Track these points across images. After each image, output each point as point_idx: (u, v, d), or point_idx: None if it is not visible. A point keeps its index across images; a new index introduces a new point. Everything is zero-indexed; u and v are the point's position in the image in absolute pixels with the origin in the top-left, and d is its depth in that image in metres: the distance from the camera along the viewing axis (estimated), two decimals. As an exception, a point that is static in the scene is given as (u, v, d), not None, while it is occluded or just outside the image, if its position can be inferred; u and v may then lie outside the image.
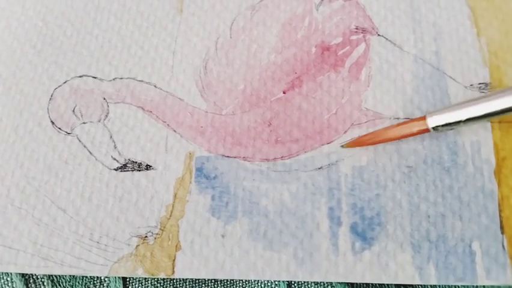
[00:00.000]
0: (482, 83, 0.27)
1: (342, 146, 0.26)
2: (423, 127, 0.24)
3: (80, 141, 0.27)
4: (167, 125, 0.27)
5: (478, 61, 0.27)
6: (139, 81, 0.28)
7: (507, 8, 0.29)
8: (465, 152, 0.25)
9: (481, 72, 0.27)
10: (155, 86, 0.28)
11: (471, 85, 0.27)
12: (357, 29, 0.29)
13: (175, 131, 0.27)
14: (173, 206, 0.25)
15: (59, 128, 0.27)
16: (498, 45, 0.28)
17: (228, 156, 0.26)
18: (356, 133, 0.26)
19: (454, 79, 0.27)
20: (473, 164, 0.25)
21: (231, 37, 0.30)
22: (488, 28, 0.28)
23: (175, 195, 0.25)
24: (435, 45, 0.28)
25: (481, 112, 0.23)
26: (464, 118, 0.23)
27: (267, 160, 0.26)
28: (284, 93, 0.28)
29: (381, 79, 0.27)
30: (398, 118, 0.26)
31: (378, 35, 0.29)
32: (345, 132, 0.26)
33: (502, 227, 0.24)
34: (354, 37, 0.29)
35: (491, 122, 0.26)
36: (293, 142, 0.26)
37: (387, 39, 0.28)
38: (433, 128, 0.24)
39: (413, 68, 0.28)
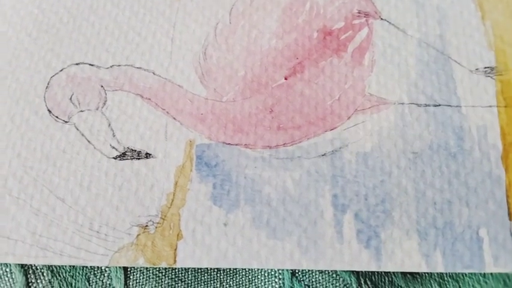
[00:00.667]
0: (488, 67, 0.26)
1: None
2: None
3: (78, 129, 0.26)
4: (167, 112, 0.26)
5: (483, 45, 0.27)
6: (137, 68, 0.28)
7: (512, -9, 0.28)
8: (471, 137, 0.25)
9: (486, 56, 0.27)
10: (153, 73, 0.27)
11: (476, 69, 0.26)
12: (359, 13, 0.28)
13: (174, 118, 0.26)
14: (174, 195, 0.24)
15: (56, 117, 0.27)
16: (503, 29, 0.27)
17: (229, 144, 0.26)
18: (359, 119, 0.26)
19: (459, 63, 0.26)
20: (479, 150, 0.25)
21: (230, 23, 0.29)
22: (493, 11, 0.28)
23: (175, 184, 0.25)
24: (440, 28, 0.27)
25: None
26: None
27: (269, 147, 0.25)
28: (286, 79, 0.27)
29: (384, 64, 0.27)
30: (402, 103, 0.26)
31: (381, 19, 0.28)
32: (349, 118, 0.26)
33: (509, 214, 0.23)
34: (356, 21, 0.28)
35: (497, 106, 0.25)
36: (296, 129, 0.26)
37: (390, 23, 0.28)
38: None
39: (417, 52, 0.27)
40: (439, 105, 0.26)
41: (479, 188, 0.24)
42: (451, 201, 0.24)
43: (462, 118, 0.25)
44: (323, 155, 0.25)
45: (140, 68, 0.28)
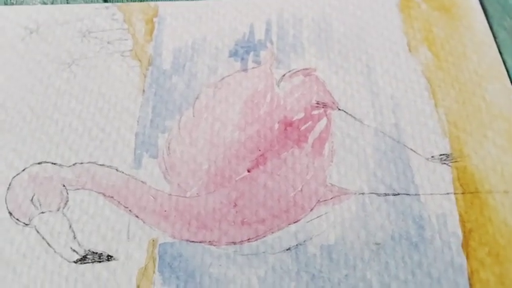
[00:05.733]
0: (443, 154, 0.27)
1: None
2: None
3: (38, 232, 0.26)
4: (130, 210, 0.26)
5: (437, 132, 0.28)
6: (100, 165, 0.28)
7: (463, 78, 0.30)
8: (431, 226, 0.25)
9: (441, 143, 0.28)
10: (116, 170, 0.28)
11: (432, 157, 0.27)
12: (318, 103, 0.29)
13: (137, 216, 0.26)
14: (135, 300, 0.24)
15: (17, 219, 0.26)
16: (457, 115, 0.28)
17: (193, 241, 0.25)
18: (322, 210, 0.26)
19: (415, 151, 0.27)
20: (440, 238, 0.25)
21: (194, 116, 0.29)
22: (445, 98, 0.29)
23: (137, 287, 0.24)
24: (395, 117, 0.28)
25: None
26: None
27: (234, 243, 0.25)
28: (249, 171, 0.27)
29: (344, 153, 0.28)
30: (363, 193, 0.26)
31: (339, 109, 0.29)
32: (312, 209, 0.26)
33: (474, 303, 0.23)
34: (315, 112, 0.29)
35: (455, 193, 0.26)
36: (260, 223, 0.26)
37: (347, 113, 0.29)
38: None
39: (374, 142, 0.28)
40: (398, 194, 0.26)
41: (442, 277, 0.24)
42: (415, 293, 0.24)
43: (421, 207, 0.26)
44: (287, 250, 0.25)
45: (103, 165, 0.28)
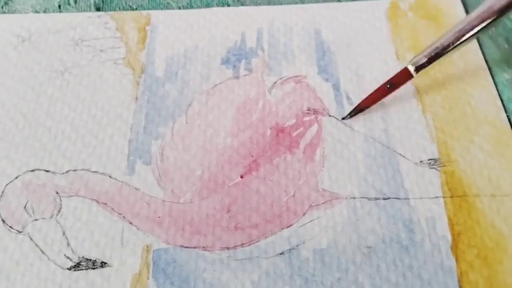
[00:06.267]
0: (432, 159, 0.28)
1: (344, 118, 0.29)
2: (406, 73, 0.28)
3: (31, 239, 0.26)
4: (123, 217, 0.26)
5: (425, 137, 0.29)
6: (93, 172, 0.28)
7: (449, 84, 0.31)
8: (421, 229, 0.26)
9: (429, 148, 0.28)
10: (110, 177, 0.28)
11: (421, 161, 0.28)
12: (309, 110, 0.30)
13: (131, 223, 0.26)
14: (130, 306, 0.24)
15: (10, 227, 0.26)
16: (444, 121, 0.29)
17: (187, 247, 0.26)
18: (314, 215, 0.26)
19: (404, 156, 0.28)
20: (430, 241, 0.25)
21: (186, 122, 0.30)
22: (432, 104, 0.30)
23: (132, 294, 0.24)
24: (384, 123, 0.29)
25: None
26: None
27: (227, 248, 0.26)
28: (242, 177, 0.28)
29: (335, 159, 0.28)
30: (354, 198, 0.27)
31: (329, 115, 0.30)
32: (304, 214, 0.26)
33: (463, 304, 0.24)
34: (306, 118, 0.29)
35: (443, 197, 0.27)
36: (253, 228, 0.26)
37: (338, 119, 0.29)
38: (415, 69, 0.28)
39: (364, 147, 0.28)
40: (388, 198, 0.27)
41: (432, 280, 0.24)
42: (407, 295, 0.24)
43: (411, 210, 0.26)
44: (280, 254, 0.25)
45: (96, 172, 0.28)
